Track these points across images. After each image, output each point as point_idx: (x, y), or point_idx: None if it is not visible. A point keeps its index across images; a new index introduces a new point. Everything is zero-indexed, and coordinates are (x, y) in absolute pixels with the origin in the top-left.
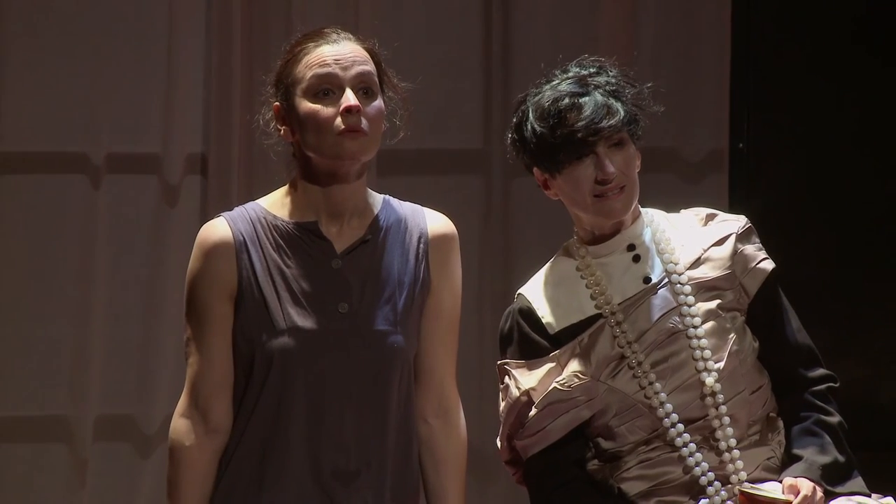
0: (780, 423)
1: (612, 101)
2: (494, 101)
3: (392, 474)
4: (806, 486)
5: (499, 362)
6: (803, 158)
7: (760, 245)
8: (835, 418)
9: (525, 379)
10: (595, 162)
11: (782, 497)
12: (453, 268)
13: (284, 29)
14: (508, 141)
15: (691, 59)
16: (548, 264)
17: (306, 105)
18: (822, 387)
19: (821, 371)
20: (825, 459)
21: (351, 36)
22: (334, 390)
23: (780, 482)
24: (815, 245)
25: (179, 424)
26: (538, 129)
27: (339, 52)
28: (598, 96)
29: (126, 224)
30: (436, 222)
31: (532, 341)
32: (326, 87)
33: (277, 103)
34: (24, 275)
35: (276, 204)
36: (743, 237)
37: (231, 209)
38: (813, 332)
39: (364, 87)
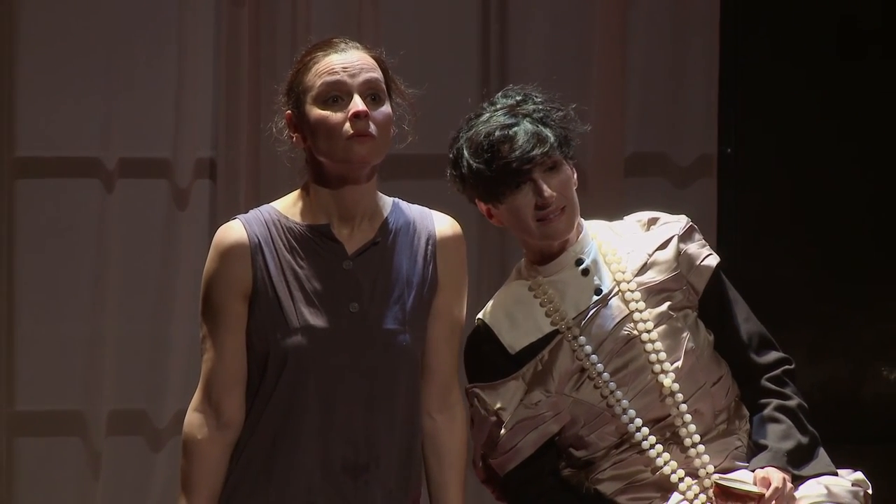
0: (746, 410)
1: (541, 127)
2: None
3: (398, 467)
4: (776, 477)
5: (466, 387)
6: (790, 163)
7: (703, 241)
8: (793, 401)
9: (492, 400)
10: (533, 188)
11: (755, 489)
12: (459, 269)
13: (290, 40)
14: (448, 176)
15: (681, 68)
16: (502, 288)
17: (316, 112)
18: (778, 371)
19: (774, 355)
20: (789, 445)
21: (359, 45)
22: (345, 387)
23: (752, 471)
24: (801, 247)
25: (193, 418)
26: (474, 164)
27: (347, 60)
28: (527, 125)
29: (138, 226)
30: (443, 225)
31: (495, 364)
32: (335, 94)
33: (289, 111)
34: (40, 275)
35: (289, 207)
36: (685, 237)
37: (239, 212)
38: (798, 330)
39: (372, 94)
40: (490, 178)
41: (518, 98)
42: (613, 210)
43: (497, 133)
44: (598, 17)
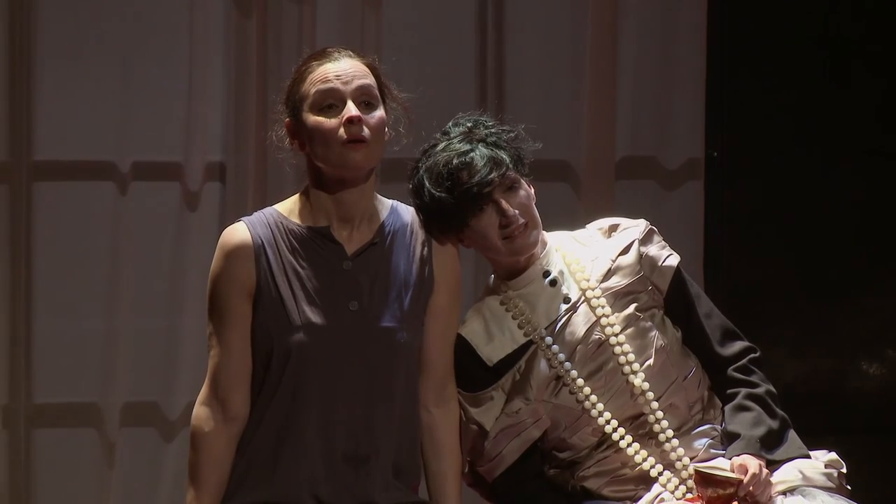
0: (718, 400)
1: (496, 150)
2: (488, 112)
3: (397, 459)
4: (753, 464)
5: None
6: (773, 166)
7: (664, 243)
8: (761, 388)
9: (475, 410)
10: (496, 209)
11: (734, 476)
12: (453, 269)
13: (296, 50)
14: (412, 206)
15: (669, 76)
16: (475, 304)
17: (312, 119)
18: (743, 361)
19: (739, 345)
20: (760, 431)
21: (352, 53)
22: (345, 382)
23: (728, 459)
24: (786, 246)
25: (200, 412)
26: (437, 194)
27: (340, 68)
28: (482, 149)
29: (151, 227)
30: None
31: (476, 376)
32: (330, 102)
33: (288, 119)
34: (57, 273)
35: (290, 209)
36: (645, 240)
37: (247, 213)
38: (783, 327)
39: (365, 99)
40: (453, 205)
41: (469, 125)
42: (606, 212)
43: (455, 161)
44: (590, 28)
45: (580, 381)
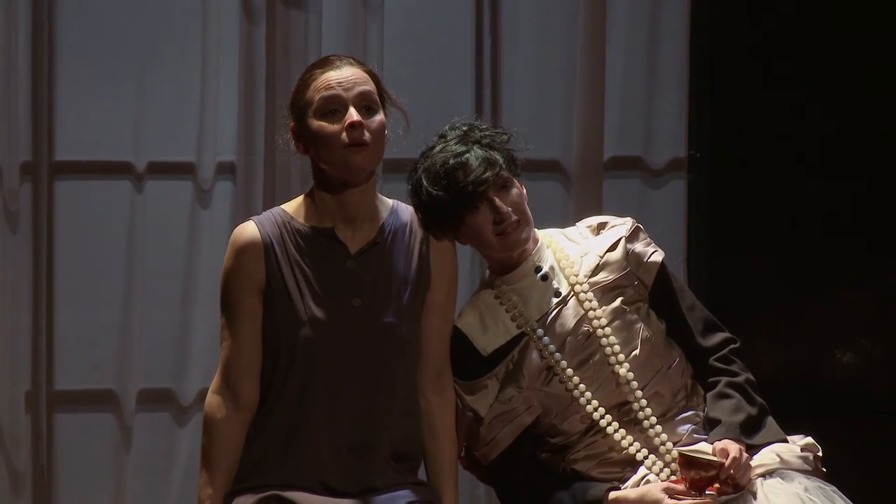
0: (701, 388)
1: (490, 151)
2: (484, 114)
3: (398, 446)
4: (734, 448)
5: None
6: (752, 165)
7: (649, 240)
8: (740, 377)
9: (471, 398)
10: (490, 207)
11: (716, 459)
12: (450, 266)
13: (303, 56)
14: (411, 205)
15: (654, 80)
16: (471, 297)
17: (316, 123)
18: (724, 351)
19: (719, 336)
20: (740, 417)
21: (353, 60)
22: (349, 374)
23: (710, 443)
24: (764, 241)
25: (213, 400)
26: (434, 192)
27: (342, 75)
28: (477, 150)
29: (165, 223)
30: None
31: (471, 366)
32: (333, 107)
33: (293, 124)
34: (76, 267)
35: (296, 210)
36: (631, 238)
37: (256, 210)
38: (762, 318)
39: (366, 105)
40: (449, 203)
41: (465, 128)
42: (595, 208)
43: (451, 161)
44: (581, 36)
45: (570, 371)
